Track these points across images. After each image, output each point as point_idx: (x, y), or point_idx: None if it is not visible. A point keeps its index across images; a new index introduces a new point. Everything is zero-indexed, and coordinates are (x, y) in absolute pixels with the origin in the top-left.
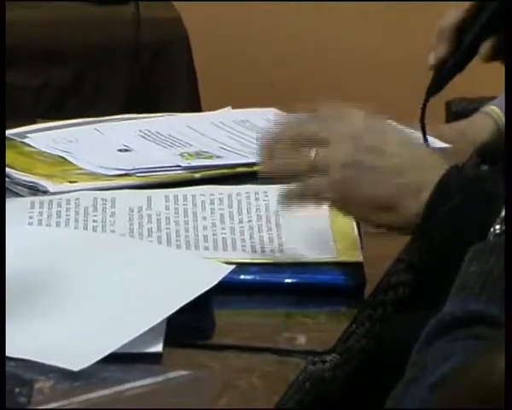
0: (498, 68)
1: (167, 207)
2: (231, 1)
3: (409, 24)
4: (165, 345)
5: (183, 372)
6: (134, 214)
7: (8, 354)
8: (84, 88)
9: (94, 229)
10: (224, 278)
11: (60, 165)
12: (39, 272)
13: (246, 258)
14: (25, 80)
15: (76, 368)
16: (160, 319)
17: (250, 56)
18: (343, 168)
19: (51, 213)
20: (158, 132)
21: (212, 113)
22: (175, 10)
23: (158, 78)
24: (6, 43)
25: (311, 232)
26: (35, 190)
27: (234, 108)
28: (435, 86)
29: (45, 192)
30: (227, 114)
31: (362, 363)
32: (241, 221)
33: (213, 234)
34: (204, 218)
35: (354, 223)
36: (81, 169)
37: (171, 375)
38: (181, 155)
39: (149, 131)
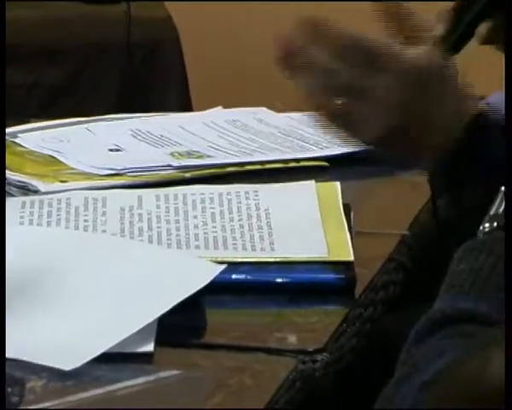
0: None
1: (158, 207)
2: (222, 1)
3: None
4: (157, 344)
5: (174, 372)
6: (125, 214)
7: None
8: (77, 87)
9: (85, 228)
10: (215, 278)
11: (51, 164)
12: (30, 271)
13: (237, 257)
14: (17, 79)
15: (67, 368)
16: (151, 319)
17: (241, 56)
18: None
19: (42, 213)
20: (149, 132)
21: (202, 112)
22: (166, 10)
23: (149, 77)
24: None
25: (302, 231)
26: (26, 189)
27: (225, 107)
28: None
29: (36, 192)
30: (218, 113)
31: (353, 362)
32: (231, 220)
33: (204, 233)
34: (195, 217)
35: (345, 222)
36: (72, 169)
37: (163, 374)
38: (172, 154)
39: (140, 131)
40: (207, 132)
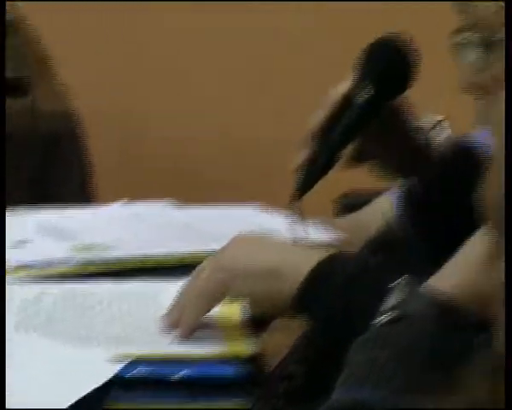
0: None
1: (56, 303)
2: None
3: None
4: None
5: None
6: (28, 307)
7: None
8: None
9: None
10: (116, 373)
11: None
12: None
13: (140, 351)
14: None
15: None
16: None
17: (148, 145)
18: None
19: None
20: (52, 225)
21: (106, 206)
22: (69, 102)
23: (53, 169)
24: None
25: (201, 326)
26: None
27: (130, 199)
28: (301, 187)
29: None
30: (121, 207)
31: None
32: (130, 315)
33: (105, 329)
34: (95, 314)
35: (242, 314)
36: None
37: None
38: (75, 247)
39: (44, 224)
40: (110, 226)
